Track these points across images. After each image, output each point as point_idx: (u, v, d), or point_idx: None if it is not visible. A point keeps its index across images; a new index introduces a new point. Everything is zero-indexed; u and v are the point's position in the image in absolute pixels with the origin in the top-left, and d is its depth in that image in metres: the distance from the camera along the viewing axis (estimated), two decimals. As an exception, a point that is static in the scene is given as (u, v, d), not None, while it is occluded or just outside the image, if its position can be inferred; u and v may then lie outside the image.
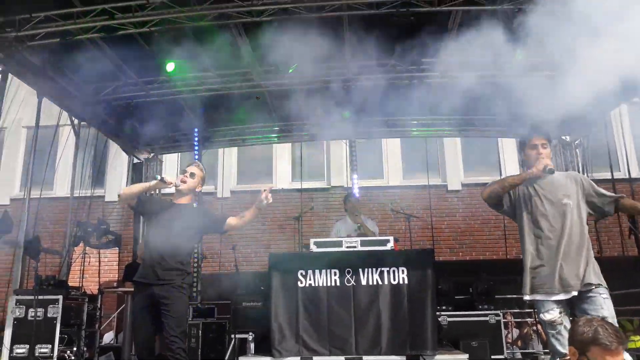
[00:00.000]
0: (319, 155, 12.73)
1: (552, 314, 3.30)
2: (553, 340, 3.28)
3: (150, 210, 4.29)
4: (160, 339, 4.26)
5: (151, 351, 4.09)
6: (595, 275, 3.34)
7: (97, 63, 7.12)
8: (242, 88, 7.86)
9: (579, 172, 9.23)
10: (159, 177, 4.14)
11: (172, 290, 3.97)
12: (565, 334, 3.08)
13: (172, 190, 4.39)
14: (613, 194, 3.57)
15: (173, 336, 3.86)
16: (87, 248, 7.87)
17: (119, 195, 4.40)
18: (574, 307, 3.35)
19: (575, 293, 3.29)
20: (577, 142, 9.27)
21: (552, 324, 3.28)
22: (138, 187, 4.32)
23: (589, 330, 2.02)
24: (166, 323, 3.89)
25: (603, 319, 2.13)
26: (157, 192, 8.60)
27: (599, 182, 8.76)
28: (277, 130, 9.67)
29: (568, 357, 2.63)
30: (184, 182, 4.25)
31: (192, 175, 4.32)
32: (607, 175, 8.90)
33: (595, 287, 3.30)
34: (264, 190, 3.95)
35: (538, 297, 3.43)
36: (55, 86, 7.38)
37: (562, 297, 3.31)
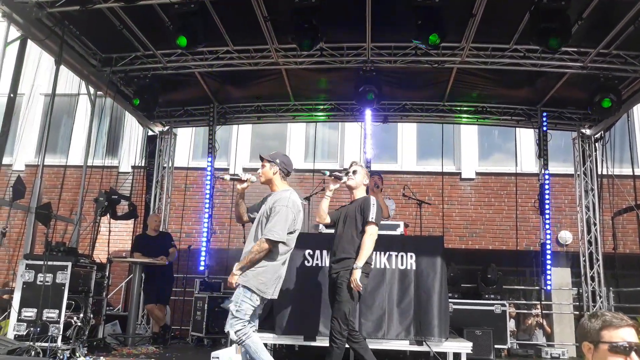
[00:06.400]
0: (334, 137, 12.66)
1: None
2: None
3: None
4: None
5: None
6: None
7: (116, 33, 7.12)
8: (260, 65, 7.79)
9: (597, 166, 9.08)
10: (344, 178, 4.73)
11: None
12: None
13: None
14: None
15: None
16: (97, 217, 7.91)
17: (318, 221, 4.91)
18: None
19: None
20: (597, 135, 9.10)
21: None
22: (324, 204, 4.80)
23: (595, 320, 2.08)
24: None
25: None
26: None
27: (620, 177, 8.72)
28: (292, 109, 9.61)
29: None
30: (351, 179, 4.77)
31: (354, 172, 4.83)
32: (628, 171, 8.75)
33: None
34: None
35: None
36: (73, 54, 7.38)
37: None
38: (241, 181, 4.29)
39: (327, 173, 4.77)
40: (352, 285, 4.34)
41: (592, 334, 2.04)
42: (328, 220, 4.82)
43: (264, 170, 4.21)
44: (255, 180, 4.30)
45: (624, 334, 1.98)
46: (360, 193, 4.78)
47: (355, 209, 4.67)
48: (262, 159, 4.26)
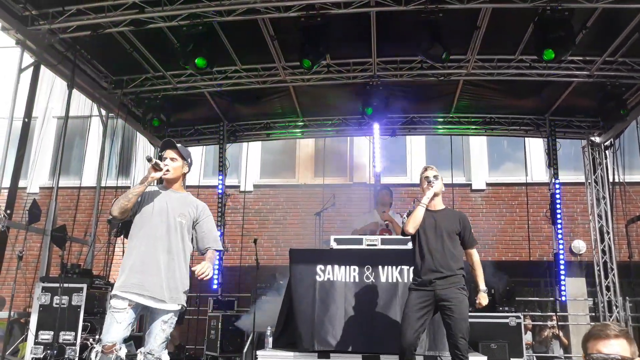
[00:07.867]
0: (343, 151, 12.70)
1: None
2: None
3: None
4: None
5: None
6: None
7: (126, 56, 7.26)
8: (268, 83, 7.89)
9: (608, 174, 9.03)
10: (437, 184, 4.20)
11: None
12: None
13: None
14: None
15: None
16: (112, 237, 7.99)
17: (412, 231, 4.22)
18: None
19: None
20: (607, 143, 9.06)
21: None
22: (421, 212, 4.19)
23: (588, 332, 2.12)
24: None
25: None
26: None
27: (631, 185, 8.68)
28: (301, 125, 9.69)
29: None
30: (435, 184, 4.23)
31: (435, 177, 4.27)
32: (639, 178, 8.69)
33: None
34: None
35: None
36: (85, 78, 7.52)
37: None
38: (158, 170, 3.42)
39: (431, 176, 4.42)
40: (477, 306, 4.36)
41: (583, 345, 2.07)
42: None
43: (177, 166, 3.54)
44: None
45: (601, 346, 1.98)
46: (440, 201, 4.40)
47: (452, 222, 4.32)
48: (172, 146, 3.56)
